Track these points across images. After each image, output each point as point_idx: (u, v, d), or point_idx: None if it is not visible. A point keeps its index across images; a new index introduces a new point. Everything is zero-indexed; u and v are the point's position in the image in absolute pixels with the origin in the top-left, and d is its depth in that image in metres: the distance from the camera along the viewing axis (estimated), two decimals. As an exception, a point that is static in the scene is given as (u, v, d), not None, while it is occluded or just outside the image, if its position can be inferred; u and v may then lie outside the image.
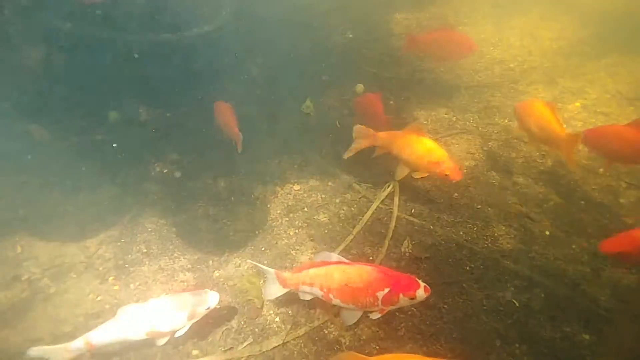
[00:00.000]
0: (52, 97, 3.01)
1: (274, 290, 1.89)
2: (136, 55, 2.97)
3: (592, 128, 2.65)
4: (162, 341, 1.79)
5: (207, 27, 3.18)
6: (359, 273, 1.74)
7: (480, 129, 3.33)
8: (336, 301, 1.79)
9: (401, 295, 1.70)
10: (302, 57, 4.03)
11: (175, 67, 3.15)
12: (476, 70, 4.10)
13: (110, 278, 2.21)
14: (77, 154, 2.85)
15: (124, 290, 2.14)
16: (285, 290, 1.88)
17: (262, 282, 2.11)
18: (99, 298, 2.10)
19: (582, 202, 2.71)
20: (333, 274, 1.77)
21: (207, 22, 3.23)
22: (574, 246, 2.43)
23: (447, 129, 3.30)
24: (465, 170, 2.89)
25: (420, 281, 1.73)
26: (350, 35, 4.65)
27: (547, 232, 2.51)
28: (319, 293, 1.80)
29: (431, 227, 2.45)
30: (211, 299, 1.81)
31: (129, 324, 1.74)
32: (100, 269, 2.25)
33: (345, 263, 1.82)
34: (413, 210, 2.56)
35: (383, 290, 1.70)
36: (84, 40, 2.90)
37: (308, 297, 1.88)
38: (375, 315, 1.80)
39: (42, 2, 2.84)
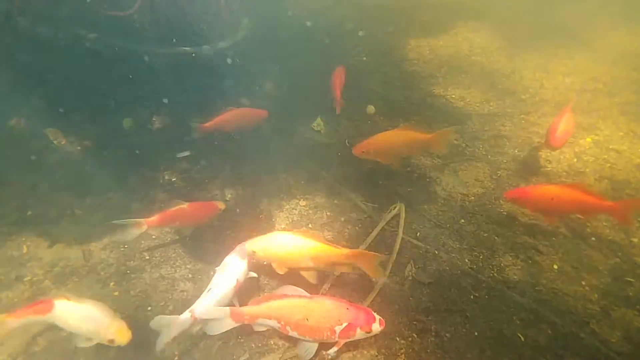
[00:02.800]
0: (71, 103, 3.20)
1: (223, 325, 1.85)
2: (154, 67, 3.17)
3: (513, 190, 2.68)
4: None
5: (223, 43, 3.39)
6: (318, 307, 1.80)
7: (489, 157, 3.41)
8: (293, 333, 1.82)
9: (358, 329, 1.80)
10: (315, 76, 4.22)
11: (191, 80, 3.34)
12: (487, 99, 4.24)
13: (111, 283, 2.26)
14: (89, 158, 2.99)
15: (124, 297, 2.19)
16: (235, 325, 1.86)
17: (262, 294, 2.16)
18: (98, 299, 2.15)
19: (593, 239, 2.72)
20: (292, 308, 1.81)
21: (224, 39, 3.46)
22: (583, 283, 2.43)
23: (457, 155, 3.38)
24: (472, 198, 2.96)
25: (375, 314, 1.84)
26: (364, 58, 4.88)
27: (556, 267, 2.52)
28: (276, 325, 1.83)
29: (436, 252, 2.48)
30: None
31: (218, 292, 1.97)
32: (102, 273, 2.31)
33: (304, 297, 1.85)
34: (418, 234, 2.60)
35: (341, 324, 1.78)
36: (105, 50, 3.11)
37: (262, 329, 1.90)
38: (332, 351, 1.83)
39: (68, 12, 3.09)
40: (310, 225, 2.63)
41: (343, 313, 1.79)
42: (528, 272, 2.45)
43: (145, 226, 2.32)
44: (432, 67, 4.80)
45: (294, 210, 2.75)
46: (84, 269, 2.32)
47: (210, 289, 1.97)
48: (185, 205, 2.41)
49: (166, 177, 2.93)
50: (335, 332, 1.78)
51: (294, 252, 2.05)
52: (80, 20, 3.08)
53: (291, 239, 2.07)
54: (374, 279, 2.22)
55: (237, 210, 2.72)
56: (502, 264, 2.47)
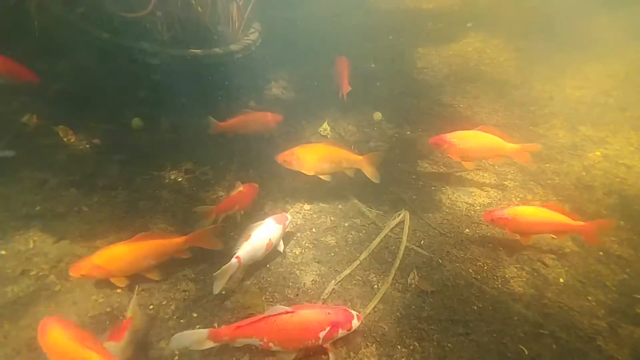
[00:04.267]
0: (82, 101, 3.29)
1: (202, 346, 1.86)
2: (165, 68, 3.25)
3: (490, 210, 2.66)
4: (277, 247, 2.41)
5: (234, 46, 3.47)
6: (300, 319, 1.85)
7: (496, 167, 3.41)
8: (277, 348, 1.85)
9: (340, 330, 1.88)
10: (323, 80, 4.29)
11: (201, 82, 3.42)
12: (495, 109, 4.26)
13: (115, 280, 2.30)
14: (97, 156, 3.05)
15: (125, 296, 2.22)
16: (214, 345, 1.86)
17: (262, 299, 2.18)
18: (101, 300, 2.18)
19: (601, 254, 2.70)
20: (274, 324, 1.83)
21: (235, 42, 3.54)
22: (590, 298, 2.41)
23: (462, 164, 3.40)
24: (478, 208, 2.97)
25: (351, 311, 1.96)
26: (373, 65, 4.94)
27: (562, 280, 2.51)
28: (258, 343, 1.85)
29: (440, 260, 2.48)
30: (289, 219, 2.47)
31: (256, 242, 2.26)
32: (106, 270, 2.35)
33: (285, 312, 1.86)
34: (422, 242, 2.61)
35: (325, 329, 1.85)
36: (117, 50, 3.20)
37: (240, 344, 1.91)
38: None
39: (82, 13, 3.19)
40: (313, 230, 2.66)
41: (324, 318, 1.87)
42: (533, 284, 2.44)
43: (214, 213, 2.59)
44: (440, 76, 4.84)
45: (298, 214, 2.78)
46: (88, 265, 2.36)
47: (249, 238, 2.26)
48: (242, 188, 2.66)
49: (172, 177, 2.98)
50: (319, 337, 1.85)
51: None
52: (94, 21, 3.19)
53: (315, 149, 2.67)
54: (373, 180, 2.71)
55: (242, 212, 2.75)
56: (506, 276, 2.47)
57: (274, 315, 1.85)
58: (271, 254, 2.41)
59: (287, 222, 2.44)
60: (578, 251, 2.71)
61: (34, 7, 3.01)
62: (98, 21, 3.18)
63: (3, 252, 2.28)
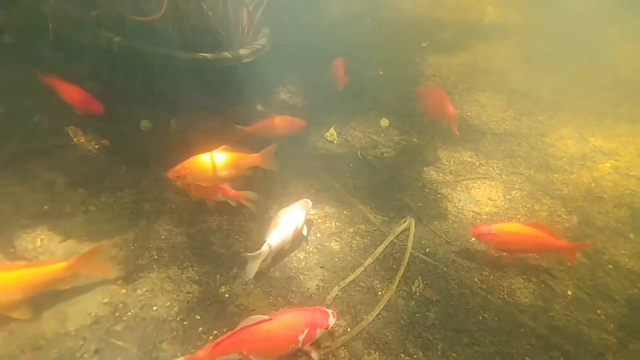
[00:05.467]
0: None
1: None
2: (175, 71, 3.33)
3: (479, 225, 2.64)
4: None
5: (243, 50, 3.55)
6: (279, 325, 1.85)
7: (503, 176, 3.43)
8: (257, 359, 1.83)
9: (318, 330, 1.91)
10: (331, 86, 4.34)
11: (210, 85, 3.49)
12: (504, 118, 4.28)
13: (119, 281, 2.34)
14: (106, 157, 3.12)
15: (131, 295, 2.25)
16: None
17: (267, 302, 2.20)
18: (105, 300, 2.21)
19: (610, 267, 2.69)
20: (252, 335, 1.81)
21: (244, 46, 3.62)
22: (599, 311, 2.40)
23: (470, 173, 3.42)
24: (485, 217, 2.97)
25: (327, 309, 2.00)
26: (381, 72, 5.00)
27: (570, 293, 2.50)
28: (237, 358, 1.82)
29: (445, 269, 2.49)
30: (310, 204, 2.62)
31: (286, 227, 2.39)
32: (111, 271, 2.39)
33: (264, 320, 1.85)
34: (428, 250, 2.62)
35: (303, 332, 1.87)
36: (128, 53, 3.29)
37: None
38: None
39: (96, 16, 3.30)
40: (318, 235, 2.68)
41: (302, 321, 1.89)
42: (540, 296, 2.44)
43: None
44: (449, 83, 4.89)
45: (305, 234, 2.80)
46: (93, 265, 2.40)
47: (278, 226, 2.37)
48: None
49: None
50: (299, 341, 1.86)
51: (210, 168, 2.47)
52: (107, 25, 3.28)
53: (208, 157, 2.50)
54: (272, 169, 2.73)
55: (247, 215, 2.79)
56: (513, 286, 2.46)
57: (251, 325, 1.83)
58: (280, 253, 2.44)
59: (309, 207, 2.59)
60: (586, 263, 2.70)
61: (49, 10, 3.11)
62: (111, 24, 3.28)
63: (11, 250, 2.33)
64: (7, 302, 1.93)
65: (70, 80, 3.10)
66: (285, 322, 1.87)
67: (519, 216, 3.02)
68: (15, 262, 2.08)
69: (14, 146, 2.87)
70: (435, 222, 2.85)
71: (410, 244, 2.61)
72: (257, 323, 1.84)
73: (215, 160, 2.56)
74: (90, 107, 3.12)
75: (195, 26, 3.35)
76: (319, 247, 2.59)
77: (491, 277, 2.49)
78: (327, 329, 1.95)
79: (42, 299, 2.14)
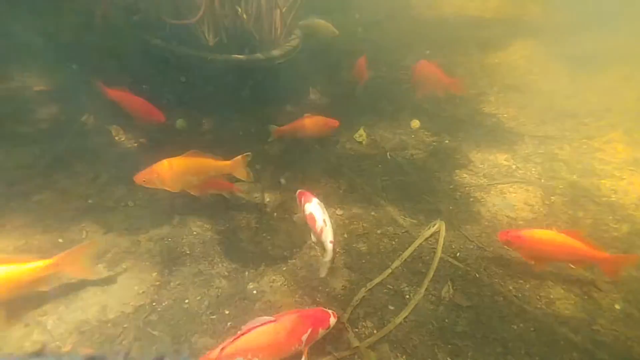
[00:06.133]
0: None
1: None
2: (209, 72, 3.51)
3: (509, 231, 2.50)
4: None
5: (275, 51, 3.68)
6: (283, 326, 1.89)
7: (542, 181, 3.30)
8: None
9: (320, 330, 1.96)
10: (355, 85, 4.37)
11: (242, 86, 3.65)
12: (544, 120, 4.12)
13: (154, 273, 2.49)
14: (144, 155, 3.34)
15: (165, 287, 2.40)
16: None
17: (293, 300, 2.26)
18: (141, 291, 2.37)
19: (665, 281, 2.52)
20: (257, 338, 1.85)
21: (276, 48, 3.75)
22: (650, 328, 2.25)
23: (505, 176, 3.32)
24: (521, 222, 2.88)
25: (327, 310, 2.04)
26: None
27: (617, 307, 2.36)
28: None
29: (477, 275, 2.44)
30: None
31: (328, 222, 2.50)
32: (147, 263, 2.54)
33: (268, 322, 1.90)
34: (459, 254, 2.58)
35: (306, 332, 1.91)
36: (167, 55, 3.51)
37: None
38: None
39: (139, 21, 3.55)
40: (345, 236, 2.72)
41: (305, 322, 1.94)
42: (583, 308, 2.33)
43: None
44: (483, 84, 4.77)
45: (330, 219, 2.85)
46: (131, 257, 2.58)
47: (326, 222, 2.47)
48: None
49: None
50: (302, 341, 1.90)
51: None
52: (148, 28, 3.53)
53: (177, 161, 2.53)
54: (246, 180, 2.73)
55: (275, 214, 2.89)
56: (552, 296, 2.37)
57: (255, 327, 1.88)
58: (306, 252, 2.51)
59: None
60: (637, 276, 2.54)
61: (99, 16, 3.40)
62: (151, 28, 3.53)
63: (60, 240, 2.56)
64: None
65: (134, 92, 3.25)
66: (289, 324, 1.92)
67: (559, 223, 2.90)
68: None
69: (65, 143, 3.15)
70: (467, 227, 2.80)
71: (440, 248, 2.58)
72: (261, 325, 1.89)
73: (183, 166, 2.58)
74: (153, 117, 3.24)
75: (229, 28, 3.52)
76: (346, 248, 2.63)
77: (527, 286, 2.41)
78: (328, 329, 2.00)
79: (88, 286, 2.34)
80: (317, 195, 2.68)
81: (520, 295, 2.35)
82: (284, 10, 3.72)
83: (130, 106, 3.23)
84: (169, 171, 2.56)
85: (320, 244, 2.52)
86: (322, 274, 2.42)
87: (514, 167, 3.47)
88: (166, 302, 2.29)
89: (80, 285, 2.34)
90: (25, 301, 2.13)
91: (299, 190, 2.75)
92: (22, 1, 3.59)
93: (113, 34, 3.65)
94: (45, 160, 2.97)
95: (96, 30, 3.65)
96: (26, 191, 2.75)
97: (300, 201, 2.66)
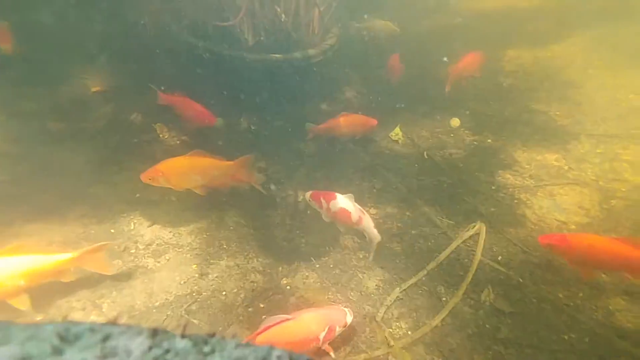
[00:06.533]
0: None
1: None
2: (248, 72, 3.68)
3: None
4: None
5: (312, 50, 3.77)
6: (300, 325, 1.93)
7: (600, 183, 3.06)
8: None
9: (337, 328, 2.00)
10: (399, 85, 4.33)
11: (280, 85, 3.77)
12: (605, 118, 3.82)
13: (194, 265, 2.66)
14: (185, 152, 3.56)
15: (203, 279, 2.55)
16: None
17: (326, 297, 2.30)
18: (183, 282, 2.53)
19: None
20: (275, 337, 1.89)
21: (313, 46, 3.84)
22: None
23: (555, 178, 3.13)
24: (573, 227, 2.70)
25: (344, 308, 2.08)
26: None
27: (689, 323, 2.13)
28: None
29: (521, 280, 2.32)
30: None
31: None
32: (188, 256, 2.72)
33: (285, 320, 1.92)
34: (500, 258, 2.48)
35: (324, 329, 1.96)
36: (211, 55, 3.73)
37: None
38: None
39: (185, 24, 3.81)
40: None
41: (322, 320, 1.99)
42: (648, 323, 2.13)
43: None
44: (533, 80, 4.51)
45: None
46: (173, 249, 2.77)
47: (362, 212, 2.54)
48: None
49: (246, 174, 3.34)
50: (319, 339, 1.95)
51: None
52: (193, 31, 3.78)
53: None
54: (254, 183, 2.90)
55: (308, 212, 2.95)
56: (610, 307, 2.20)
57: (275, 324, 1.93)
58: (339, 250, 2.54)
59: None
60: None
61: (150, 21, 3.71)
62: (196, 30, 3.78)
63: (112, 231, 2.81)
64: (10, 288, 1.90)
65: (188, 96, 3.47)
66: (307, 321, 1.98)
67: (620, 229, 2.67)
68: (18, 245, 2.05)
69: (116, 140, 3.45)
70: (510, 230, 2.67)
71: (479, 250, 2.49)
72: (279, 322, 1.95)
73: (187, 165, 2.71)
74: (205, 120, 3.44)
75: (268, 28, 3.67)
76: (380, 247, 2.62)
77: (581, 295, 2.25)
78: (345, 326, 2.03)
79: (135, 274, 2.56)
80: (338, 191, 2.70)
81: (572, 304, 2.21)
82: (322, 9, 3.81)
83: (184, 110, 3.44)
84: (174, 170, 2.68)
85: (363, 232, 2.56)
86: (371, 257, 2.52)
87: (565, 167, 3.25)
88: (205, 293, 2.43)
89: (131, 274, 2.56)
90: (82, 286, 2.37)
91: (311, 192, 2.73)
92: (81, 9, 4.02)
93: (162, 38, 3.96)
94: (99, 155, 3.28)
95: (147, 35, 3.98)
96: (84, 184, 3.04)
97: (320, 202, 2.66)
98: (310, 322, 1.99)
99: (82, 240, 2.64)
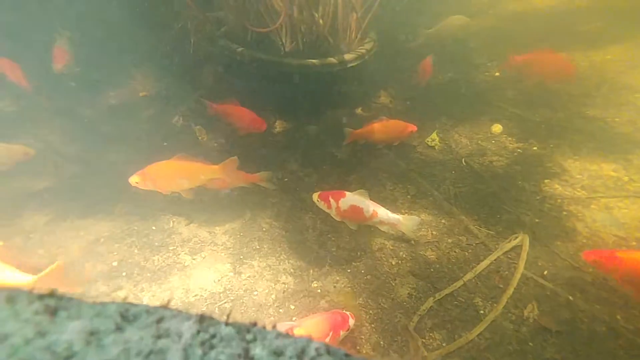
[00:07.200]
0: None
1: None
2: (284, 76, 3.79)
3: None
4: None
5: (349, 55, 3.82)
6: (305, 331, 1.91)
7: (668, 194, 2.82)
8: None
9: (341, 332, 2.04)
10: (437, 90, 4.28)
11: (315, 90, 3.85)
12: (674, 125, 3.52)
13: (228, 264, 2.77)
14: (221, 154, 3.73)
15: (236, 279, 2.65)
16: None
17: (356, 302, 2.31)
18: (217, 280, 2.65)
19: None
20: None
21: (350, 52, 3.89)
22: None
23: (612, 190, 2.93)
24: (634, 244, 2.50)
25: (346, 312, 2.12)
26: (497, 74, 4.65)
27: None
28: None
29: (570, 297, 2.20)
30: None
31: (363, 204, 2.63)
32: (222, 254, 2.84)
33: (290, 327, 1.94)
34: (546, 273, 2.35)
35: (328, 335, 2.00)
36: (248, 60, 3.89)
37: None
38: None
39: (225, 31, 4.00)
40: (412, 242, 2.68)
41: (326, 325, 2.01)
42: None
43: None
44: (587, 85, 4.25)
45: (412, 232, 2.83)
46: (209, 247, 2.91)
47: (375, 205, 2.60)
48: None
49: (279, 176, 3.43)
50: None
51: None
52: (233, 37, 3.97)
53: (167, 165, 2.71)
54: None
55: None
56: (673, 334, 2.01)
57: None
58: (371, 256, 2.54)
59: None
60: None
61: (192, 29, 3.95)
62: (235, 37, 3.96)
63: (153, 228, 3.00)
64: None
65: (238, 104, 3.59)
66: (311, 328, 2.01)
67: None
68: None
69: (158, 142, 3.69)
70: (558, 243, 2.53)
71: (522, 263, 2.39)
72: (284, 330, 1.96)
73: (173, 169, 2.78)
74: (256, 127, 3.54)
75: (305, 34, 3.77)
76: (413, 254, 2.59)
77: None
78: (348, 330, 2.09)
79: (173, 271, 2.70)
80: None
81: (632, 327, 2.05)
82: (359, 14, 3.85)
83: (235, 118, 3.57)
84: (160, 174, 2.79)
85: (383, 226, 2.62)
86: (412, 235, 2.62)
87: (625, 179, 3.03)
88: (238, 292, 2.53)
89: (170, 270, 2.72)
90: (125, 278, 2.55)
91: (319, 193, 2.75)
92: (127, 18, 4.35)
93: (202, 44, 4.19)
94: (143, 155, 3.52)
95: (189, 42, 4.23)
96: (128, 183, 3.30)
97: (329, 202, 2.68)
98: (315, 328, 2.04)
99: (126, 236, 2.84)
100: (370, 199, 2.89)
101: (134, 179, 2.80)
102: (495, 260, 2.45)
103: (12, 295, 0.62)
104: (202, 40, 4.07)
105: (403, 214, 2.67)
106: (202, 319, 0.65)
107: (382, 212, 2.55)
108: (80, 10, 4.77)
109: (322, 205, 2.74)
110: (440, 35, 4.83)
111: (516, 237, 2.55)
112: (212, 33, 4.08)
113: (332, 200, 2.67)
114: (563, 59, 3.91)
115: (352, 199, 2.61)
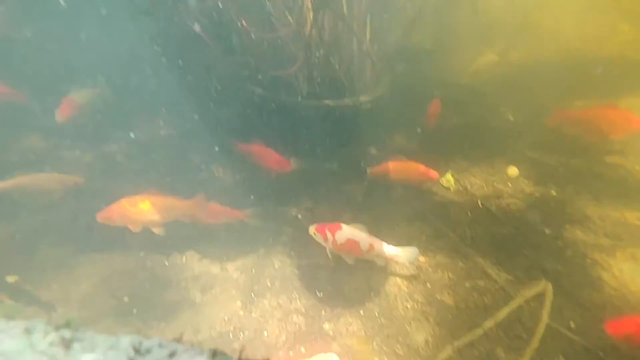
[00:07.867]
0: (228, 142, 4.26)
1: None
2: (300, 117, 3.93)
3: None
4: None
5: (364, 97, 3.96)
6: None
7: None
8: None
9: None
10: (449, 132, 4.33)
11: (331, 130, 3.97)
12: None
13: (238, 302, 2.72)
14: (237, 190, 3.81)
15: (246, 318, 2.59)
16: None
17: (370, 347, 2.20)
18: (226, 318, 2.60)
19: None
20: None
21: (365, 93, 4.04)
22: None
23: (636, 238, 2.79)
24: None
25: (331, 354, 2.09)
26: (511, 118, 4.66)
27: None
28: None
29: (601, 354, 2.04)
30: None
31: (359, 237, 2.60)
32: (233, 292, 2.81)
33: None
34: (573, 325, 2.21)
35: None
36: (267, 102, 4.08)
37: None
38: None
39: (243, 73, 4.24)
40: (428, 285, 2.60)
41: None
42: None
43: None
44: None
45: (412, 265, 2.76)
46: (220, 284, 2.87)
47: (372, 238, 2.56)
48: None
49: (293, 213, 3.44)
50: None
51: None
52: (253, 80, 4.20)
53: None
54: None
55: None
56: None
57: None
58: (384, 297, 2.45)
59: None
60: None
61: (215, 73, 4.21)
62: (255, 79, 4.19)
63: (166, 263, 3.01)
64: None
65: (264, 145, 3.72)
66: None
67: None
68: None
69: (176, 178, 3.80)
70: (584, 293, 2.40)
71: (546, 313, 2.26)
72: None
73: (144, 205, 2.72)
74: (281, 167, 3.64)
75: (322, 77, 3.96)
76: (429, 298, 2.49)
77: (678, 380, 1.90)
78: None
79: (184, 307, 2.66)
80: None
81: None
82: (374, 58, 4.04)
83: (261, 157, 3.66)
84: (132, 209, 2.73)
85: (380, 258, 2.58)
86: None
87: (652, 227, 2.91)
88: (247, 332, 2.47)
89: (179, 306, 2.69)
90: (135, 316, 2.53)
91: (315, 226, 2.69)
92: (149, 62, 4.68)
93: (224, 86, 4.44)
94: (162, 190, 3.64)
95: (212, 84, 4.50)
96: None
97: (325, 234, 2.61)
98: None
99: (139, 270, 2.86)
100: (385, 240, 2.87)
101: (102, 216, 2.71)
102: (516, 308, 2.33)
103: (29, 327, 0.64)
104: (222, 82, 4.32)
105: (402, 247, 2.58)
106: (214, 354, 0.64)
107: (380, 245, 2.51)
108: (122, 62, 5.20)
109: (318, 238, 2.68)
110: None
111: (538, 285, 2.43)
112: (234, 75, 4.33)
113: (328, 233, 2.60)
114: (626, 114, 3.56)
115: (348, 231, 2.56)
